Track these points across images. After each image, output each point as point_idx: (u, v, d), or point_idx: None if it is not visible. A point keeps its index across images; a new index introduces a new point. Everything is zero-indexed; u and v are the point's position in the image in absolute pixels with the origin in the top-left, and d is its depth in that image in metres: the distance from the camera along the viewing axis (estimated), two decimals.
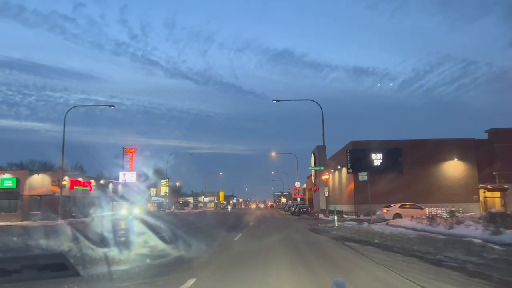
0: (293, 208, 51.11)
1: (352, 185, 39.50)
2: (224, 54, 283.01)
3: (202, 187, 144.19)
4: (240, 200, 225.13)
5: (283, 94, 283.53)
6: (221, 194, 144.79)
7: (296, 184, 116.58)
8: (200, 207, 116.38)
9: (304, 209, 48.18)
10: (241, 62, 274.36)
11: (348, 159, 39.26)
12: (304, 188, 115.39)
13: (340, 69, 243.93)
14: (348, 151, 39.88)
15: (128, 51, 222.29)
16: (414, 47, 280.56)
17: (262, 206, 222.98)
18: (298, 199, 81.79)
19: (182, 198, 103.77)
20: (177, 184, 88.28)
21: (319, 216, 37.09)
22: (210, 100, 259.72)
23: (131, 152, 57.77)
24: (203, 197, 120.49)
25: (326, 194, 38.90)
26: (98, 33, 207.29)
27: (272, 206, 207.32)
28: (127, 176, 56.77)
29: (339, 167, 46.81)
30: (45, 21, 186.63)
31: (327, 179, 41.00)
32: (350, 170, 38.99)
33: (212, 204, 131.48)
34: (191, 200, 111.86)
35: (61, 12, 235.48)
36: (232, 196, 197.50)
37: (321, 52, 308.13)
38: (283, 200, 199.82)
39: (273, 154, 73.43)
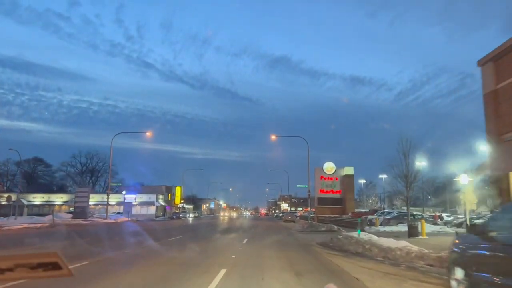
0: None
1: None
2: (221, 58, 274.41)
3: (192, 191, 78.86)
4: (223, 205, 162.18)
5: (279, 101, 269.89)
6: (178, 190, 79.98)
7: (326, 165, 52.68)
8: (114, 214, 51.61)
9: None
10: (237, 68, 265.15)
11: None
12: (343, 177, 50.35)
13: (337, 77, 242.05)
14: None
15: (123, 53, 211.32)
16: (412, 58, 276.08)
17: (252, 214, 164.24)
18: None
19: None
20: None
21: None
22: (206, 105, 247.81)
23: None
24: (123, 192, 56.03)
25: None
26: (93, 33, 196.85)
27: (266, 214, 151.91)
28: None
29: None
30: (39, 19, 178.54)
31: None
32: None
33: (153, 208, 66.74)
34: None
35: (56, 10, 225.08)
36: (209, 199, 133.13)
37: (318, 60, 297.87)
38: (284, 206, 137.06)
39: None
